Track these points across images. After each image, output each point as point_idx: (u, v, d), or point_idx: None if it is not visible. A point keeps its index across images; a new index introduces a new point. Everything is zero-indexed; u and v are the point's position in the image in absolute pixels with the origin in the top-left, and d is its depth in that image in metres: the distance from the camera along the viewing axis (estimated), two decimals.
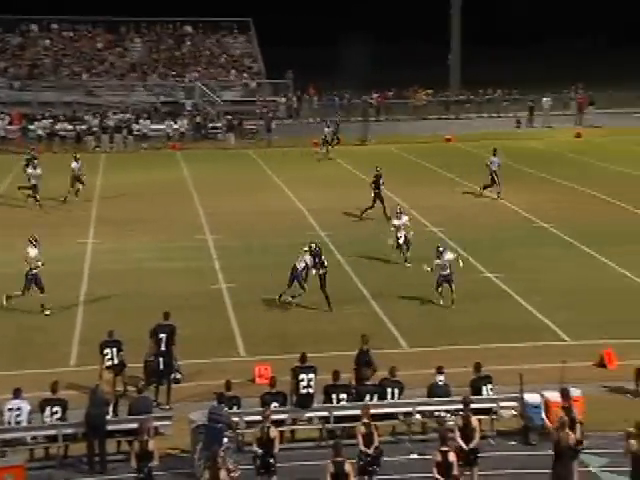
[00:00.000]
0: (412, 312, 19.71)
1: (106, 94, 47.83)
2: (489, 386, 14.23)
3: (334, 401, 14.07)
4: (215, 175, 35.75)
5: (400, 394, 14.19)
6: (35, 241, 20.02)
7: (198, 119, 45.10)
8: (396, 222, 22.93)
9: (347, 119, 49.52)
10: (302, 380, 14.09)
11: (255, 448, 12.44)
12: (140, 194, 31.79)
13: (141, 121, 43.67)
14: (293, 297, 19.87)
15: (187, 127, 44.51)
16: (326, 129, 39.84)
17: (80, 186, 30.47)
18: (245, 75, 50.65)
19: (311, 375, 14.14)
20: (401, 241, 22.63)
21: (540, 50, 74.31)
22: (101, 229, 27.19)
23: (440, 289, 19.58)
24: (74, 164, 30.52)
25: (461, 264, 19.82)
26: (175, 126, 44.27)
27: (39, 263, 19.61)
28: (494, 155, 30.58)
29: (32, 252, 19.73)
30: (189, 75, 49.65)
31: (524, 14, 78.81)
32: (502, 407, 14.12)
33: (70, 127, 43.00)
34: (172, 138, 43.37)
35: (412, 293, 20.67)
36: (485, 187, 30.38)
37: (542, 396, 13.89)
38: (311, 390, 14.11)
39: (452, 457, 11.68)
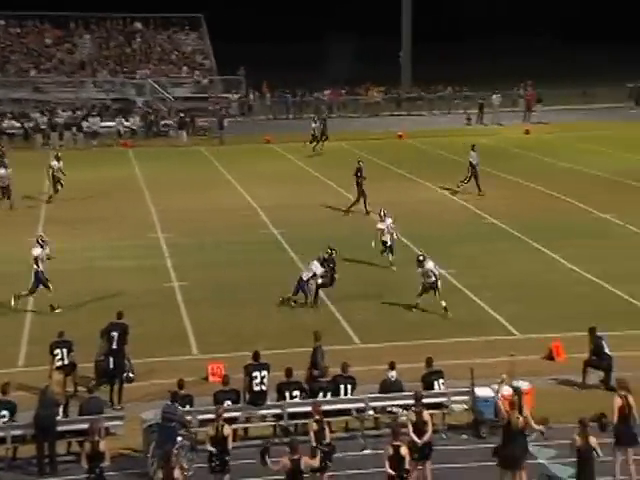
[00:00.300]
0: (365, 308, 19.74)
1: (55, 91, 47.08)
2: (441, 381, 14.34)
3: (287, 398, 14.06)
4: (167, 173, 35.47)
5: (353, 390, 14.23)
6: (42, 241, 19.92)
7: (151, 116, 44.70)
8: (380, 225, 22.03)
9: (300, 116, 49.63)
10: (255, 378, 14.07)
11: (209, 447, 12.37)
12: (91, 192, 31.35)
13: (91, 118, 43.10)
14: (294, 302, 19.71)
15: (139, 124, 44.08)
16: (313, 124, 39.67)
17: (59, 187, 29.72)
18: (197, 72, 50.30)
19: (264, 372, 14.13)
20: (388, 243, 21.88)
21: (490, 48, 75.08)
22: (50, 228, 26.74)
23: (422, 295, 19.21)
24: (54, 162, 29.76)
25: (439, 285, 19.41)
26: (126, 123, 43.81)
27: (39, 266, 19.50)
28: (473, 150, 30.66)
29: (35, 251, 19.66)
30: (140, 72, 49.12)
31: (474, 12, 79.58)
32: (453, 401, 14.23)
33: (18, 124, 42.27)
34: (123, 135, 42.92)
35: (365, 290, 20.72)
36: (478, 186, 30.25)
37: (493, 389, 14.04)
38: (264, 387, 14.10)
39: (404, 451, 11.76)
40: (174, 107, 45.88)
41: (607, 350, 15.66)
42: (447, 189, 31.01)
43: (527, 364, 15.67)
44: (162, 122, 44.66)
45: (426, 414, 12.66)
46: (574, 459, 11.92)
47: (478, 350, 17.19)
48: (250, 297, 20.55)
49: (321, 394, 14.15)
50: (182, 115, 44.19)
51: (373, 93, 52.07)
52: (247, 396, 14.10)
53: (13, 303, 19.46)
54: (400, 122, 47.65)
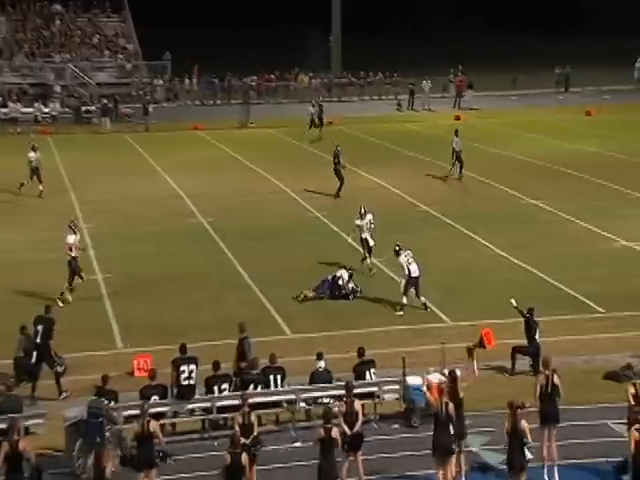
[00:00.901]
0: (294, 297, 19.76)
1: None
2: (372, 370, 14.45)
3: (216, 392, 13.99)
4: (90, 161, 34.82)
5: (282, 380, 14.25)
6: (75, 227, 19.65)
7: (73, 102, 43.79)
8: (358, 222, 21.18)
9: (227, 102, 49.33)
10: (183, 372, 13.96)
11: (135, 444, 12.23)
12: (8, 182, 30.53)
13: (11, 104, 41.97)
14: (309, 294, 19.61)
15: (59, 110, 43.16)
16: (311, 109, 39.62)
17: (35, 179, 28.40)
18: (120, 56, 49.46)
19: (192, 366, 14.04)
20: (370, 242, 20.92)
21: (420, 32, 75.78)
22: None
23: (407, 292, 19.09)
24: (32, 154, 28.60)
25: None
26: (46, 110, 42.80)
27: (75, 252, 19.31)
28: (456, 136, 30.84)
29: (70, 239, 19.37)
30: (59, 56, 48.03)
31: None
32: (385, 391, 14.36)
33: None
34: (42, 122, 41.93)
35: (296, 280, 20.69)
36: (459, 172, 30.53)
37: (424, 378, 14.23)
38: (192, 381, 14.01)
39: (335, 433, 11.84)
40: (96, 93, 45.02)
41: (537, 336, 15.98)
42: (431, 176, 31.03)
43: (458, 351, 15.84)
44: (84, 108, 43.80)
45: (357, 404, 12.74)
46: (502, 446, 12.16)
47: (410, 338, 17.41)
48: (178, 288, 20.38)
49: (252, 386, 14.11)
50: (105, 101, 43.42)
51: (303, 78, 52.03)
52: (175, 391, 13.99)
53: (60, 303, 18.88)
54: (330, 108, 47.65)
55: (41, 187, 28.71)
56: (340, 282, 19.74)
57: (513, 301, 16.38)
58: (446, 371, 13.27)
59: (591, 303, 19.29)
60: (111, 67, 48.84)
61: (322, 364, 14.43)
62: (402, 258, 19.02)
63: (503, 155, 35.41)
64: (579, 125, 42.58)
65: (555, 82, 53.98)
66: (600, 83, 53.39)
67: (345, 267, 20.11)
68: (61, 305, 18.97)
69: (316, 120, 39.21)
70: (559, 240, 23.93)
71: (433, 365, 14.58)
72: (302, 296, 19.54)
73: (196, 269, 21.67)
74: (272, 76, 51.74)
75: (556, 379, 12.75)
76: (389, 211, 27.15)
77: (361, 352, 14.53)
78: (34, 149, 28.99)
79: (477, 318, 18.24)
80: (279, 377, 14.23)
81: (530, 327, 15.94)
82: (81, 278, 19.59)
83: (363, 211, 21.38)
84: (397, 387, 14.44)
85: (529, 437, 12.02)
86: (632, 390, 12.69)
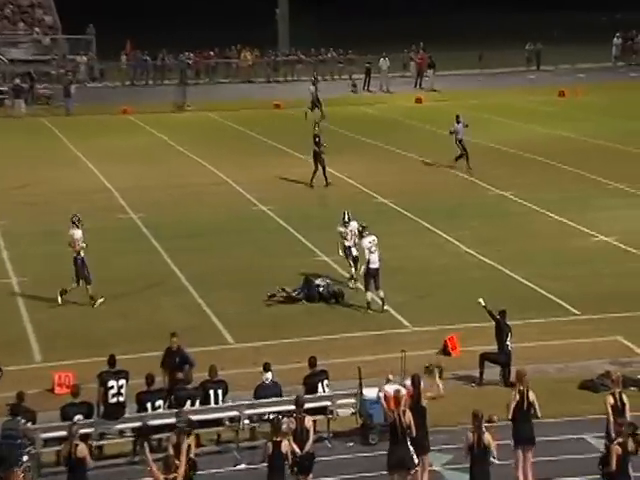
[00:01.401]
0: (239, 303, 19.69)
1: None
2: (325, 382, 14.48)
3: (149, 410, 13.89)
4: (2, 148, 34.37)
5: (224, 395, 14.22)
6: (78, 221, 19.51)
7: None
8: (341, 229, 20.78)
9: (160, 82, 49.01)
10: (111, 387, 13.88)
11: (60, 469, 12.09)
12: None
13: None
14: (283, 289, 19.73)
15: None
16: (311, 87, 39.95)
17: None
18: (37, 29, 48.84)
19: (122, 381, 13.96)
20: (353, 252, 20.45)
21: (379, 7, 76.10)
22: None
23: (366, 287, 19.26)
24: None
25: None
26: None
27: (83, 245, 19.27)
28: (457, 122, 30.94)
29: (77, 234, 19.25)
30: None
31: None
32: (339, 405, 14.39)
33: None
34: None
35: (239, 282, 20.65)
36: (457, 158, 30.71)
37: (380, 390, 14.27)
38: (122, 398, 13.92)
39: (285, 447, 11.90)
40: (9, 71, 44.41)
41: (509, 342, 16.10)
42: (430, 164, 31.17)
43: (420, 360, 15.93)
44: None
45: (308, 421, 12.76)
46: (467, 464, 12.27)
47: (367, 346, 17.46)
48: (105, 293, 20.15)
49: (188, 402, 14.04)
50: (18, 81, 42.81)
51: (246, 56, 51.87)
52: (102, 409, 13.88)
53: (60, 300, 19.33)
54: (277, 89, 47.72)
55: None
56: (318, 289, 19.81)
57: (481, 301, 16.51)
58: (407, 382, 13.31)
59: (565, 304, 19.54)
60: (26, 42, 48.26)
61: (269, 376, 14.42)
62: (365, 242, 19.19)
63: (469, 141, 35.66)
64: (552, 107, 43.19)
65: (525, 59, 54.66)
66: (575, 60, 54.20)
67: (327, 278, 20.24)
68: (101, 301, 19.29)
69: (316, 100, 39.44)
70: (530, 235, 24.22)
71: (393, 375, 14.63)
72: (280, 289, 19.63)
73: (127, 270, 21.49)
74: (211, 53, 51.52)
75: (532, 396, 12.84)
76: (342, 203, 27.15)
77: (312, 362, 14.55)
78: None
79: (441, 322, 18.38)
80: (220, 392, 14.18)
81: (501, 331, 16.07)
82: (77, 283, 19.39)
83: (347, 218, 20.93)
84: (353, 401, 14.48)
85: (494, 452, 12.13)
86: (611, 401, 12.84)
